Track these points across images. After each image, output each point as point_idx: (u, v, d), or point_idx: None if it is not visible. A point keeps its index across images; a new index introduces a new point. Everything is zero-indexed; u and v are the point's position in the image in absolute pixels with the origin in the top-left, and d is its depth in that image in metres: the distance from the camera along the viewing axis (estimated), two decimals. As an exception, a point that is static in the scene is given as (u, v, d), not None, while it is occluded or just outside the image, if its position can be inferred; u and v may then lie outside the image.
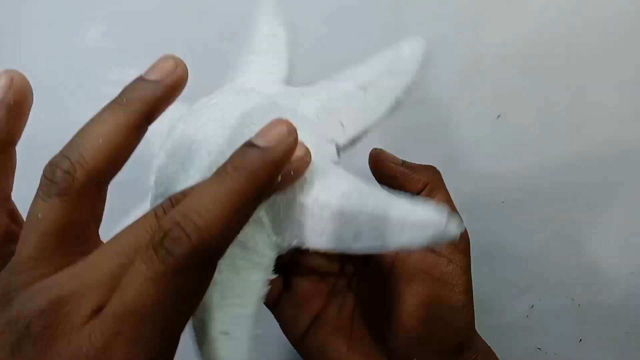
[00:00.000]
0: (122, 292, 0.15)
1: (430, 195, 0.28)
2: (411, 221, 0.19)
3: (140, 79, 0.19)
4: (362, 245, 0.20)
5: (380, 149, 0.29)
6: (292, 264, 0.29)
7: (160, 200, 0.20)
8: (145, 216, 0.17)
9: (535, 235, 0.44)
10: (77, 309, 0.16)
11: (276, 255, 0.22)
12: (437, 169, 0.29)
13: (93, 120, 0.19)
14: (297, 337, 0.29)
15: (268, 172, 0.16)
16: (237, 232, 0.16)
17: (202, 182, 0.17)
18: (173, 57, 0.19)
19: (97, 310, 0.16)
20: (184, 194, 0.18)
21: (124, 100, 0.19)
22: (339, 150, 0.25)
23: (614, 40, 0.44)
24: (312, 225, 0.21)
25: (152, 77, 0.19)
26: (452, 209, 0.29)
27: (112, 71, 0.45)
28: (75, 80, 0.45)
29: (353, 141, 0.24)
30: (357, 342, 0.28)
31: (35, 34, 0.46)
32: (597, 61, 0.44)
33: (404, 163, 0.29)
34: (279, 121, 0.18)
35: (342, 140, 0.24)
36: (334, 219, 0.20)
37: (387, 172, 0.28)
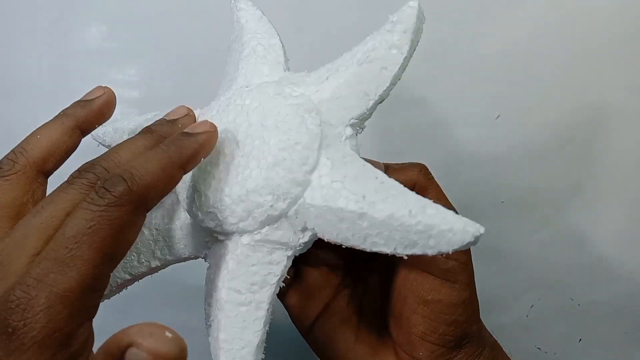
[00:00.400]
0: (64, 225, 0.18)
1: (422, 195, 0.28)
2: (438, 231, 0.19)
3: (76, 102, 0.25)
4: (378, 249, 0.21)
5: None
6: (302, 254, 0.29)
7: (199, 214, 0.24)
8: (71, 185, 0.20)
9: (535, 235, 0.44)
10: (18, 253, 0.18)
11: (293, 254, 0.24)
12: (425, 165, 0.28)
13: (37, 128, 0.24)
14: (307, 326, 0.29)
15: (192, 148, 0.21)
16: (165, 188, 0.21)
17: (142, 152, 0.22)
18: (103, 87, 0.25)
19: (38, 254, 0.18)
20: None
21: (62, 114, 0.24)
22: (361, 124, 0.25)
23: (615, 40, 0.44)
24: (327, 225, 0.22)
25: (84, 98, 0.25)
26: (447, 204, 0.28)
27: (112, 71, 0.45)
28: (75, 80, 0.45)
29: (376, 105, 0.24)
30: (365, 333, 0.29)
31: (36, 34, 0.46)
32: (597, 61, 0.44)
33: (387, 167, 0.28)
34: (204, 121, 0.23)
35: (366, 108, 0.24)
36: (354, 222, 0.21)
37: None
